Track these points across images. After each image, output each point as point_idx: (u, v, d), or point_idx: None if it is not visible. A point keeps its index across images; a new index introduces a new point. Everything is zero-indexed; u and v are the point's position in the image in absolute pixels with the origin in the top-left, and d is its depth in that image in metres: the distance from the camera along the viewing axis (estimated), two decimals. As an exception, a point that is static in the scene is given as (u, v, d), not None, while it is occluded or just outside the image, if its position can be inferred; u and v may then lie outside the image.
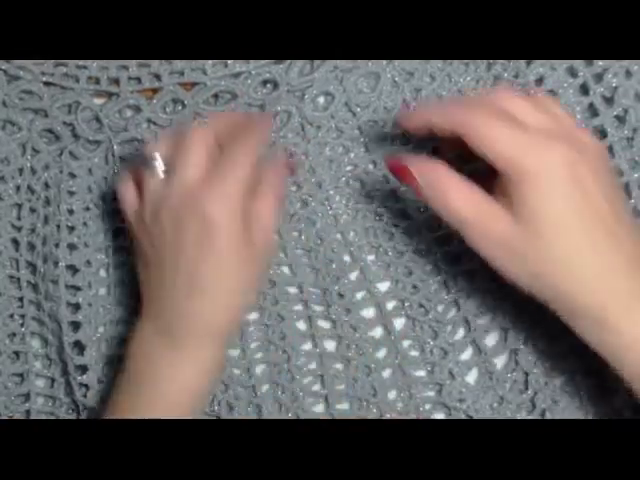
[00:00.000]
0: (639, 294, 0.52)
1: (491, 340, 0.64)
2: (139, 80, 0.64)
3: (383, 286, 0.64)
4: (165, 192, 0.58)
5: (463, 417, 0.64)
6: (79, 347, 0.66)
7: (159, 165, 0.59)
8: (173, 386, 0.59)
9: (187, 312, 0.58)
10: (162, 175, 0.58)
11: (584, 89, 0.62)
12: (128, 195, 0.60)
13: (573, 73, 0.62)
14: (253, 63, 0.62)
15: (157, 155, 0.59)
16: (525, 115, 0.54)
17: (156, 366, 0.59)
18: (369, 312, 0.64)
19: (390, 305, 0.64)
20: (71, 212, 0.66)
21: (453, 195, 0.53)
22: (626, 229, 0.53)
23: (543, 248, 0.52)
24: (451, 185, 0.53)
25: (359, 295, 0.64)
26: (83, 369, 0.66)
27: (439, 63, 0.63)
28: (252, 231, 0.58)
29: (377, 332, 0.64)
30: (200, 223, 0.56)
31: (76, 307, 0.66)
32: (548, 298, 0.53)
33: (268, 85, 0.64)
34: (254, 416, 0.65)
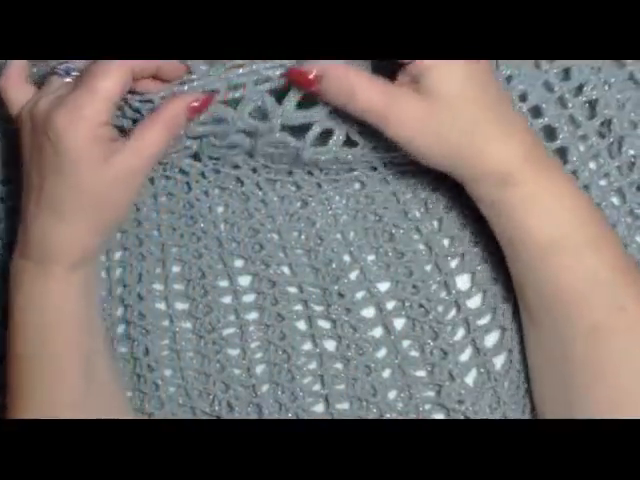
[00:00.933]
0: (534, 155, 0.57)
1: (491, 340, 0.64)
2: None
3: (383, 286, 0.64)
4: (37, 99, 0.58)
5: (462, 418, 0.64)
6: None
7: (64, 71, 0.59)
8: (49, 315, 0.59)
9: (49, 236, 0.58)
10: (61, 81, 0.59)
11: (562, 102, 0.63)
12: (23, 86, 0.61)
13: (549, 88, 0.63)
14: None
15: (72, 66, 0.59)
16: None
17: (28, 296, 0.60)
18: (369, 312, 0.64)
19: (390, 305, 0.64)
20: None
21: (362, 87, 0.56)
22: (517, 117, 0.58)
23: (449, 121, 0.56)
24: (358, 79, 0.56)
25: (359, 295, 0.64)
26: None
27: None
28: (120, 152, 0.57)
29: (377, 332, 0.64)
30: (53, 146, 0.56)
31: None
32: (460, 172, 0.58)
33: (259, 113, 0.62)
34: (254, 416, 0.65)
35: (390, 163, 0.63)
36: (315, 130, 0.60)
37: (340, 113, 0.59)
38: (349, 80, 0.56)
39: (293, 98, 0.59)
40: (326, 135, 0.61)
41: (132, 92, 0.60)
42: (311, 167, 0.64)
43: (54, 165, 0.57)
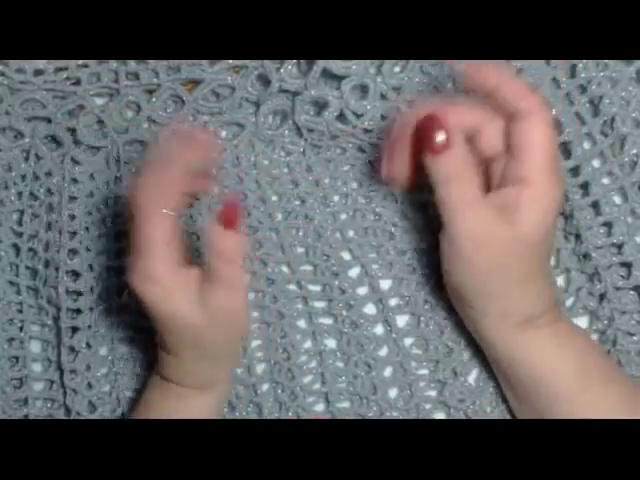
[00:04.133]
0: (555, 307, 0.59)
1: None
2: (137, 76, 0.65)
3: (385, 283, 0.64)
4: None
5: (462, 417, 0.63)
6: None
7: None
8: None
9: (183, 368, 0.60)
10: None
11: (569, 99, 0.63)
12: None
13: (557, 84, 0.63)
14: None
15: None
16: None
17: (160, 407, 0.62)
18: (371, 308, 0.64)
19: (393, 302, 0.64)
20: (73, 218, 0.66)
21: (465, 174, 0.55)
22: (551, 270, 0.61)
23: (512, 262, 0.56)
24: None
25: (360, 291, 0.64)
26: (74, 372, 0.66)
27: (424, 79, 0.63)
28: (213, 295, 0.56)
29: (379, 329, 0.64)
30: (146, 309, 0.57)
31: (77, 312, 0.66)
32: (482, 303, 0.58)
33: (263, 81, 0.65)
34: (254, 415, 0.65)
35: (378, 145, 0.64)
36: (307, 96, 0.62)
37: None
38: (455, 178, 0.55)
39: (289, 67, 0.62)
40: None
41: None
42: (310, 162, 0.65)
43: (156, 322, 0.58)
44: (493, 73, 0.55)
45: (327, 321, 0.65)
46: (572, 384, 0.58)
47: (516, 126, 0.55)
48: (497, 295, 0.57)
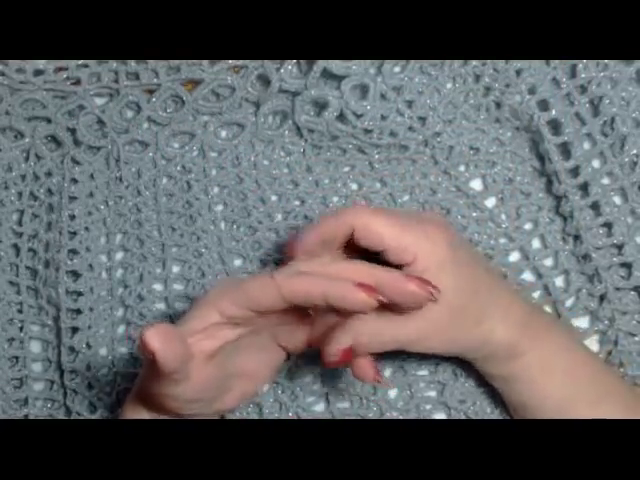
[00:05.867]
0: (529, 320, 0.60)
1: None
2: (137, 76, 0.65)
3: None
4: None
5: (463, 418, 0.63)
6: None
7: None
8: None
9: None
10: None
11: (569, 99, 0.63)
12: None
13: (557, 84, 0.63)
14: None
15: None
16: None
17: None
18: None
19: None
20: (72, 218, 0.66)
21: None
22: (503, 284, 0.61)
23: (459, 317, 0.57)
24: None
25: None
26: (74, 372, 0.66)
27: (424, 79, 0.63)
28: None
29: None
30: None
31: (77, 312, 0.66)
32: (471, 355, 0.60)
33: (263, 81, 0.65)
34: (254, 415, 0.64)
35: (377, 145, 0.64)
36: (307, 96, 0.63)
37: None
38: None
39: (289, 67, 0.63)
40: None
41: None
42: (309, 162, 0.65)
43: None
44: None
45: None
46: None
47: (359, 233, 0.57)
48: (465, 346, 0.59)
